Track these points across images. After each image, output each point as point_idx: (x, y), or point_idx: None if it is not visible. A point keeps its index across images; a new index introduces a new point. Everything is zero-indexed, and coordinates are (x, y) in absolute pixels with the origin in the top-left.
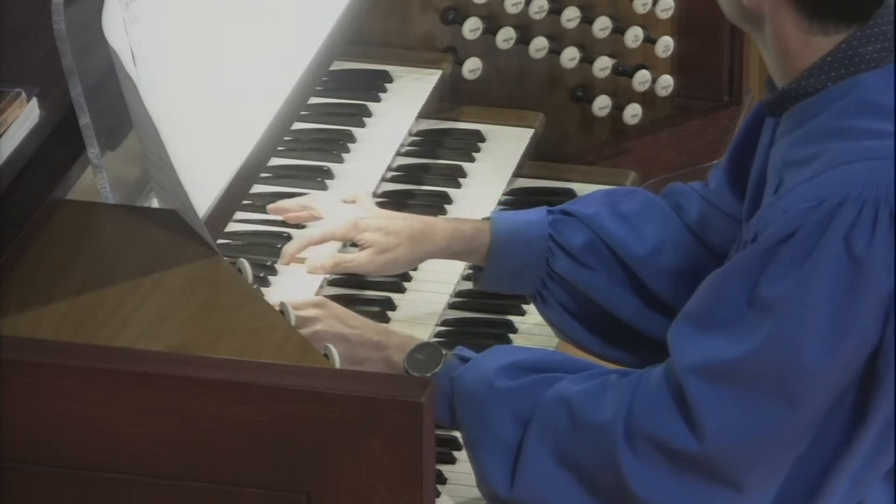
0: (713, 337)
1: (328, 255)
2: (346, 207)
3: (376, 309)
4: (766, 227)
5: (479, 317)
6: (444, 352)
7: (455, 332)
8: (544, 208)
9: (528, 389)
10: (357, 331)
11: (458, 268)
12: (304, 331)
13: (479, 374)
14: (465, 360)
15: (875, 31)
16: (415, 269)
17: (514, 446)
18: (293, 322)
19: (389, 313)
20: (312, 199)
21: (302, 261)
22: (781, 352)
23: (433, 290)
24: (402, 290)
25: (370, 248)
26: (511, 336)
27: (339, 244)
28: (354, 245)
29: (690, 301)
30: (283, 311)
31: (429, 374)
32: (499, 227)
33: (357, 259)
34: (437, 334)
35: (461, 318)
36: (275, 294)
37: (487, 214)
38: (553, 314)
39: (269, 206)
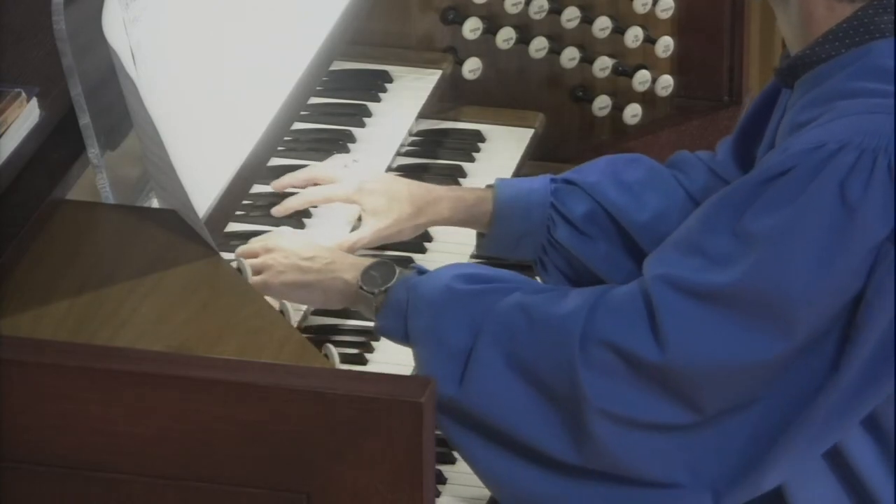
0: (694, 260)
1: (336, 243)
2: (352, 172)
3: None
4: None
5: None
6: (398, 268)
7: None
8: (548, 176)
9: (485, 295)
10: (307, 257)
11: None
12: (260, 272)
13: (437, 281)
14: (423, 273)
15: (893, 1)
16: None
17: (465, 349)
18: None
19: None
20: (315, 171)
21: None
22: (762, 285)
23: None
24: None
25: (373, 216)
26: None
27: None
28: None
29: (674, 232)
30: (282, 311)
31: (384, 288)
32: (501, 193)
33: (363, 235)
34: None
35: None
36: None
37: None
38: (553, 281)
39: (273, 183)
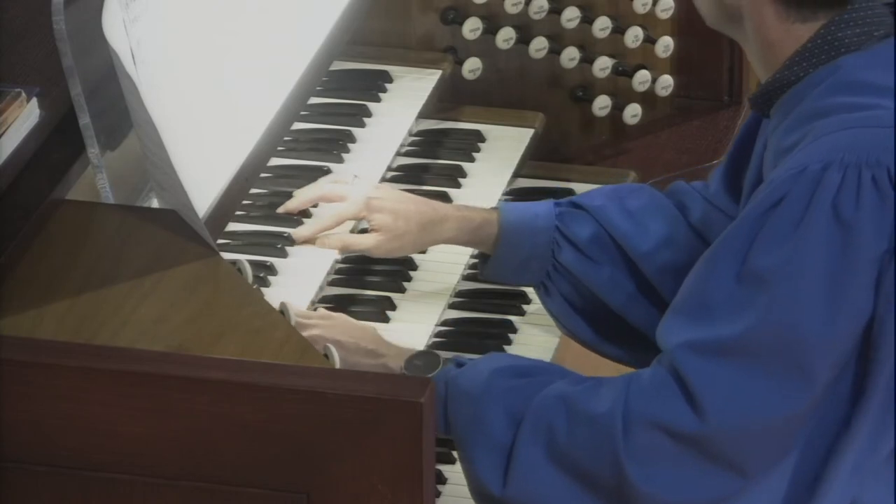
0: (705, 322)
1: (337, 238)
2: (357, 187)
3: (376, 309)
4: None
5: (479, 317)
6: (441, 358)
7: (455, 332)
8: (551, 201)
9: (523, 389)
10: (353, 339)
11: (458, 268)
12: (303, 334)
13: (475, 376)
14: (461, 365)
15: (854, 15)
16: (415, 270)
17: (507, 445)
18: (293, 322)
19: (389, 313)
20: (321, 188)
21: (313, 241)
22: (780, 324)
23: (433, 291)
24: (402, 290)
25: (379, 231)
26: (511, 336)
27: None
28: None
29: (677, 296)
30: (283, 311)
31: (426, 377)
32: (506, 217)
33: (365, 243)
34: (437, 334)
35: (461, 318)
36: (275, 294)
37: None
38: (556, 306)
39: (280, 209)
